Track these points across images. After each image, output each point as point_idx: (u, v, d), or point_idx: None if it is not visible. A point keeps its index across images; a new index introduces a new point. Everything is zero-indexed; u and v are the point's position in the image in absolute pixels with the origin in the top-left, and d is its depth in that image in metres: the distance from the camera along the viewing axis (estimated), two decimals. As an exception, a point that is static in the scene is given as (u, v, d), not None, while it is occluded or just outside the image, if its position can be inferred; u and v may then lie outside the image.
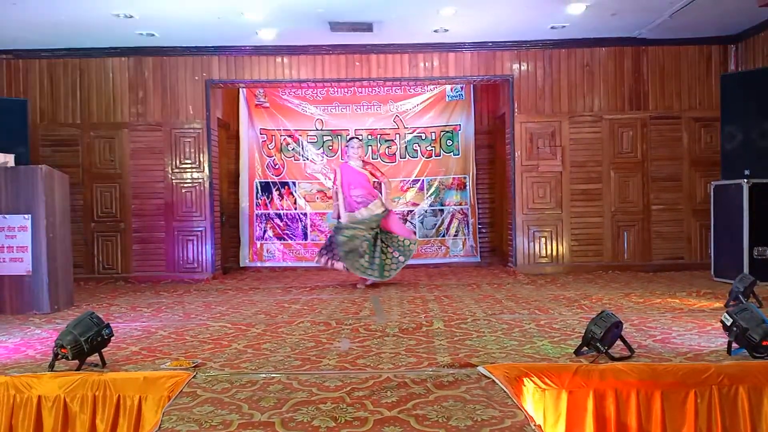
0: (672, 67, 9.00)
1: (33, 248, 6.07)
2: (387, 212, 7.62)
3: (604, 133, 9.01)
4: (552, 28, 8.35)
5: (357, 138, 7.93)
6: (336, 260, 7.47)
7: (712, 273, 7.73)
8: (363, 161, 7.79)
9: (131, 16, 7.53)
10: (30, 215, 6.08)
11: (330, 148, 10.15)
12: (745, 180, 7.20)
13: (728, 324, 3.90)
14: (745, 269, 6.90)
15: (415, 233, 8.71)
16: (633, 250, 8.99)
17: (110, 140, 8.99)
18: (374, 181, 7.77)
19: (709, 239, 8.11)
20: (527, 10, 7.64)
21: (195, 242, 9.00)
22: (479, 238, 10.23)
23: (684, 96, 9.00)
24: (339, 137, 10.08)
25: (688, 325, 4.93)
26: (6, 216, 6.08)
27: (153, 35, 8.32)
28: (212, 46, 8.89)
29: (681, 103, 9.00)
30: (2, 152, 6.92)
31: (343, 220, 7.53)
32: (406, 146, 10.20)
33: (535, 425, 2.85)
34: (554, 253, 9.01)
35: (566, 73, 9.04)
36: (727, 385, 3.63)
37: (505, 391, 3.28)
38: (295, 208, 10.19)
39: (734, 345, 3.91)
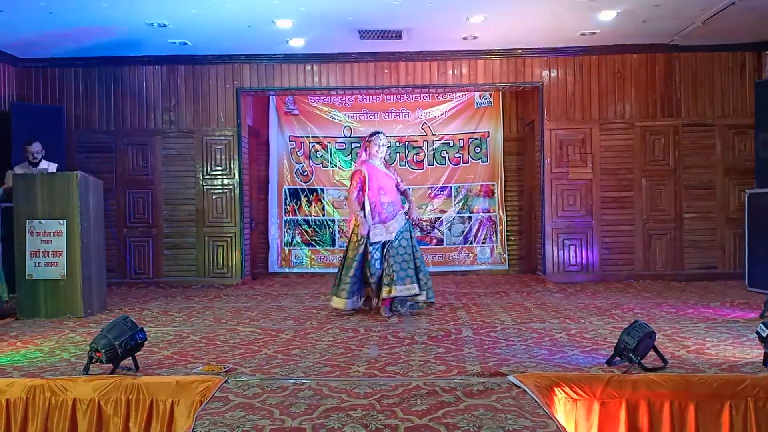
0: (705, 73, 8.87)
1: (68, 253, 6.19)
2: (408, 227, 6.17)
3: (635, 140, 8.91)
4: (582, 34, 8.29)
5: (382, 132, 6.42)
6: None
7: (747, 283, 7.58)
8: (385, 163, 6.43)
9: (165, 25, 7.64)
10: (65, 220, 6.20)
11: (358, 155, 10.17)
12: (781, 188, 7.08)
13: (764, 335, 3.84)
14: (781, 279, 6.78)
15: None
16: (665, 259, 8.86)
17: (143, 147, 9.13)
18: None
19: (743, 248, 7.97)
20: (557, 17, 7.59)
21: (225, 248, 9.09)
22: (507, 245, 10.17)
23: (717, 103, 8.87)
24: (367, 144, 10.10)
25: (722, 336, 4.86)
26: (42, 221, 6.20)
27: (186, 44, 8.44)
28: (243, 54, 8.99)
29: (714, 110, 8.86)
30: (46, 160, 7.13)
31: (372, 234, 6.01)
32: (434, 153, 10.20)
33: (567, 436, 2.83)
34: (584, 261, 8.91)
35: (597, 79, 8.97)
36: (763, 398, 3.57)
37: (536, 401, 3.26)
38: (324, 215, 10.24)
39: (770, 357, 3.84)
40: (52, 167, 7.11)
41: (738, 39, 8.50)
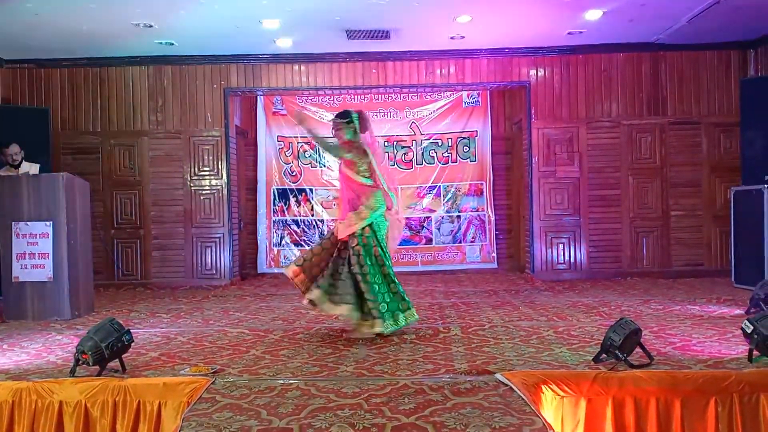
0: (690, 72, 8.93)
1: (54, 255, 6.14)
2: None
3: (622, 138, 8.96)
4: (569, 34, 8.32)
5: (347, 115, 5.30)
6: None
7: (733, 279, 7.64)
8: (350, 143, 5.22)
9: (151, 26, 7.61)
10: (51, 222, 6.16)
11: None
12: (766, 186, 7.12)
13: (749, 331, 3.87)
14: (766, 275, 6.82)
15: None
16: (652, 256, 8.92)
17: (130, 148, 9.09)
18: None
19: (729, 245, 8.03)
20: (544, 16, 7.62)
21: (213, 249, 9.07)
22: (496, 244, 10.19)
23: (703, 101, 8.93)
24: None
25: (708, 333, 4.89)
26: (28, 223, 6.16)
27: (172, 44, 8.41)
28: (230, 54, 8.96)
29: (700, 108, 8.93)
30: (27, 161, 7.08)
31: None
32: (422, 152, 10.21)
33: (553, 433, 2.84)
34: (572, 259, 8.96)
35: (583, 78, 9.01)
36: (748, 393, 3.59)
37: (523, 399, 3.28)
38: (312, 215, 10.23)
39: (755, 352, 3.87)
40: (34, 168, 7.07)
41: (723, 37, 8.56)
